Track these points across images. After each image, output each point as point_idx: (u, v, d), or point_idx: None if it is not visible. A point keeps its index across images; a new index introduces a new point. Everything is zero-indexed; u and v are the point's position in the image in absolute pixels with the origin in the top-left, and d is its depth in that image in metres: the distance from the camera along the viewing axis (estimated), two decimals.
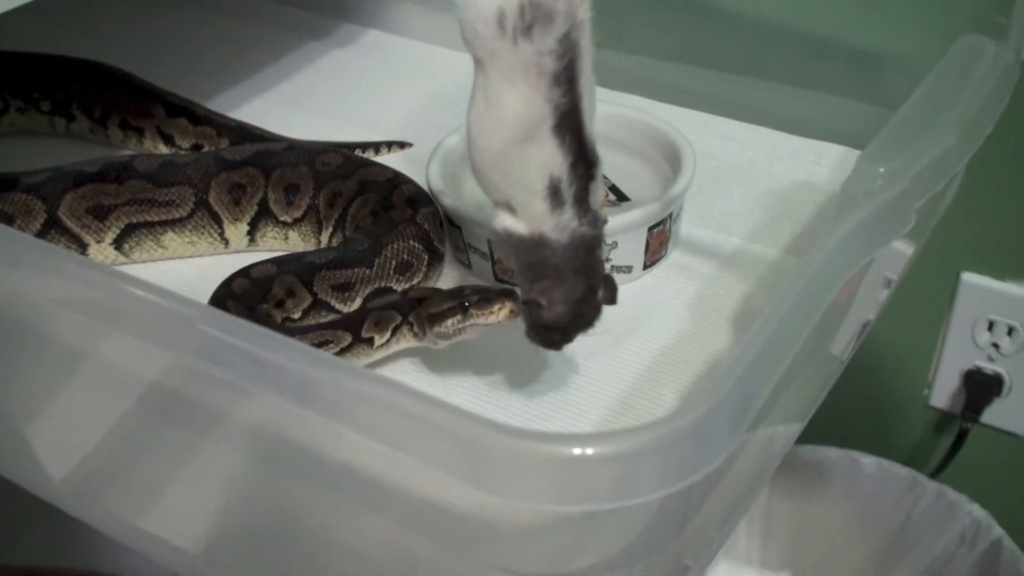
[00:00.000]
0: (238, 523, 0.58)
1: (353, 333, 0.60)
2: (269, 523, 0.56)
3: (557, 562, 0.39)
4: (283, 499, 0.54)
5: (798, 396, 0.62)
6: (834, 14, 0.83)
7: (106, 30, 0.96)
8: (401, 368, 0.62)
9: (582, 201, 0.54)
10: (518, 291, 0.57)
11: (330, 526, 0.51)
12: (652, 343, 0.63)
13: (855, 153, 0.79)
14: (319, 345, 0.59)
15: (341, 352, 0.60)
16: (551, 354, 0.63)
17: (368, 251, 0.65)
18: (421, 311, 0.59)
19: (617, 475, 0.33)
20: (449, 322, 0.57)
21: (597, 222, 0.55)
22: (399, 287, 0.65)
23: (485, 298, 0.56)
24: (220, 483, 0.57)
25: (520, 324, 0.57)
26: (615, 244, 0.66)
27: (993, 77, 0.53)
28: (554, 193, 0.53)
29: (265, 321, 0.60)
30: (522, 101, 0.51)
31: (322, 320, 0.63)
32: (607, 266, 0.67)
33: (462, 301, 0.57)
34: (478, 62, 0.52)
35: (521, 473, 0.33)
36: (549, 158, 0.52)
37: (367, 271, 0.64)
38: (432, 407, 0.33)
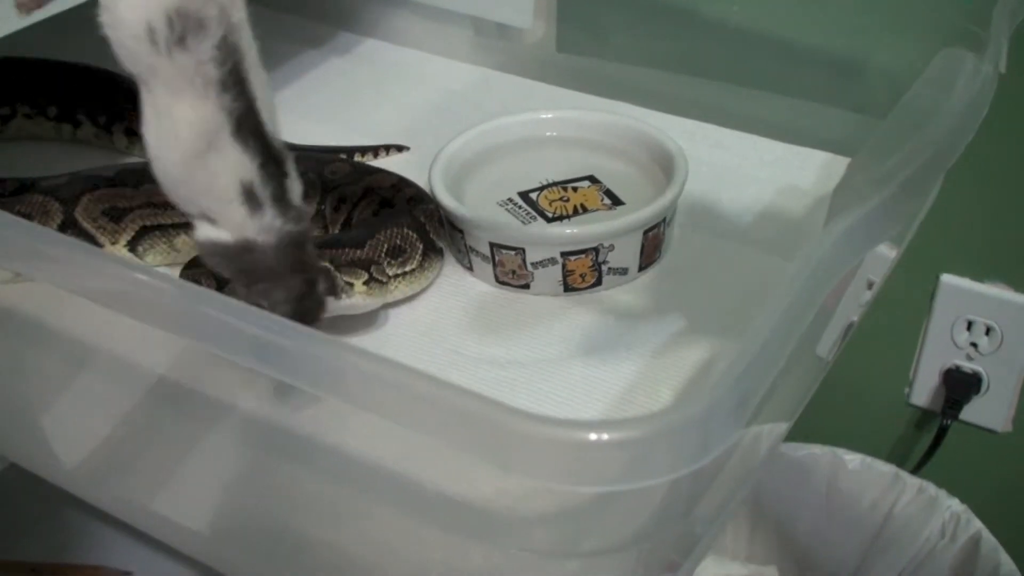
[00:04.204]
0: (251, 508, 0.60)
1: None
2: (281, 509, 0.58)
3: (573, 542, 0.42)
4: (295, 485, 0.56)
5: (787, 395, 0.64)
6: (819, 25, 0.86)
7: None
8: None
9: (280, 199, 0.52)
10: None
11: (344, 512, 0.53)
12: (648, 342, 0.66)
13: (839, 159, 0.83)
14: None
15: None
16: (549, 353, 0.65)
17: (361, 234, 0.66)
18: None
19: (630, 459, 0.36)
20: None
21: (301, 218, 0.53)
22: (392, 272, 0.66)
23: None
24: (232, 469, 0.59)
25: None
26: (612, 247, 0.69)
27: (973, 89, 0.56)
28: (250, 198, 0.51)
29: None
30: (193, 112, 0.49)
31: None
32: (604, 268, 0.69)
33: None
34: (140, 80, 0.50)
35: (544, 456, 0.35)
36: (236, 164, 0.51)
37: (358, 252, 0.65)
38: (465, 396, 0.36)
